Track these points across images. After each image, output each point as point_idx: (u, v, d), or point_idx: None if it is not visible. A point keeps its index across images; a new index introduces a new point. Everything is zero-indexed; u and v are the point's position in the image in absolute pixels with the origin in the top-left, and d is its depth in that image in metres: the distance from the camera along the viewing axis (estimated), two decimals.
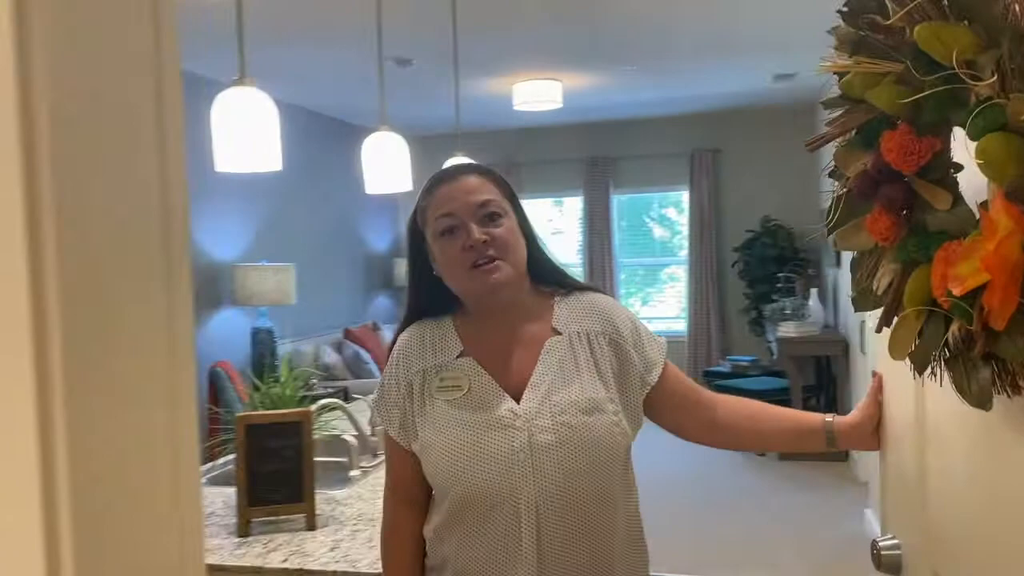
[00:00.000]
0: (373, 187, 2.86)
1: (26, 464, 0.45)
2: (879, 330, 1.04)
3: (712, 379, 6.91)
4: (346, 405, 2.62)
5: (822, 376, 7.06)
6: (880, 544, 1.40)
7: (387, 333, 7.53)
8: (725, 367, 7.30)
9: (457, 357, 1.44)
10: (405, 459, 1.46)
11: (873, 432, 1.44)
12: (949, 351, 0.91)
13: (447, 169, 1.49)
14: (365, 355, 6.74)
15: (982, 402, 0.87)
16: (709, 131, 8.07)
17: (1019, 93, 0.78)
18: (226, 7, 2.28)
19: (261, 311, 5.92)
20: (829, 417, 1.48)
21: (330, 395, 5.89)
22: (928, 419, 1.21)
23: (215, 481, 2.50)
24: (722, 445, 1.59)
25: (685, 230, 8.31)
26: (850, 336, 5.94)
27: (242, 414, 2.05)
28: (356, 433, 2.60)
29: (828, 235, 1.16)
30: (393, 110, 6.57)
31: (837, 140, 1.11)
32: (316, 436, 2.35)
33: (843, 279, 6.19)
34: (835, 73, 1.04)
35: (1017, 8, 0.80)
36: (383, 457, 2.73)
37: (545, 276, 1.52)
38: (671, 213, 8.66)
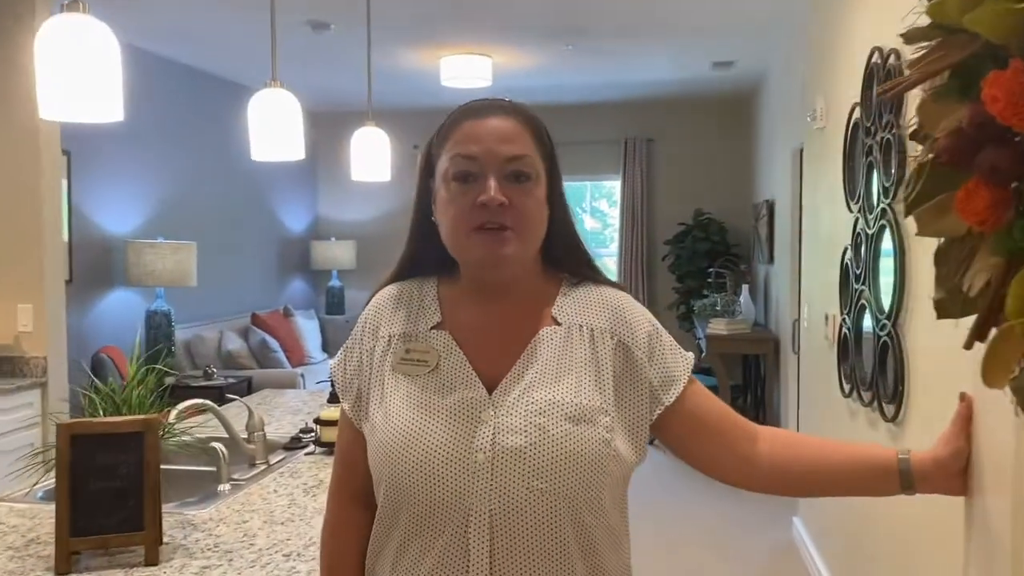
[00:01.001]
0: (260, 153, 2.45)
1: None
2: (969, 345, 0.78)
3: None
4: (216, 407, 2.22)
5: (749, 375, 6.91)
6: None
7: (301, 320, 7.08)
8: None
9: (432, 328, 1.20)
10: (358, 442, 1.22)
11: (960, 472, 1.13)
12: None
13: (484, 101, 1.20)
14: (273, 343, 6.30)
15: None
16: (644, 119, 7.84)
17: None
18: None
19: (157, 292, 5.45)
20: (904, 453, 1.16)
21: (232, 386, 5.53)
22: None
23: (51, 496, 2.09)
24: (763, 487, 1.25)
25: (616, 222, 8.07)
26: (781, 335, 5.77)
27: (67, 422, 1.65)
28: (228, 437, 2.21)
29: (906, 215, 0.87)
30: (308, 80, 6.16)
31: (923, 87, 0.83)
32: (172, 444, 1.97)
33: (775, 276, 6.02)
34: None
35: None
36: (260, 468, 2.39)
37: (563, 259, 1.25)
38: (603, 205, 8.43)
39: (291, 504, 2.00)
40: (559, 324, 1.20)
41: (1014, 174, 0.69)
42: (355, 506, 1.25)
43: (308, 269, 8.12)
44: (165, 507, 1.93)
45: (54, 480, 1.68)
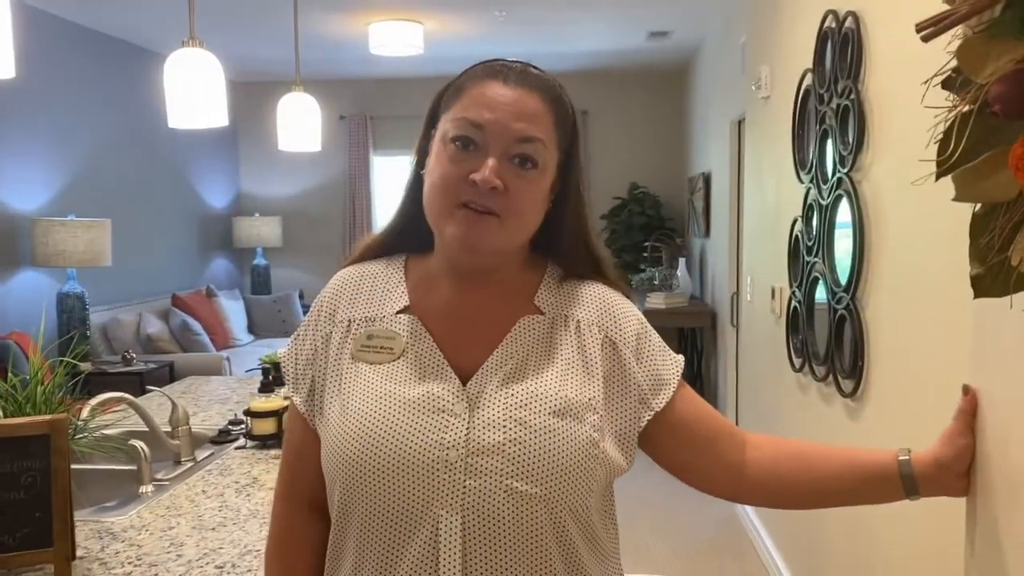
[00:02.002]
0: (178, 120, 2.22)
1: None
2: None
3: None
4: (135, 399, 2.01)
5: (686, 349, 6.90)
6: None
7: (224, 300, 6.77)
8: None
9: (398, 312, 1.06)
10: (311, 442, 1.06)
11: (965, 472, 1.02)
12: None
13: (514, 65, 1.04)
14: (196, 325, 5.99)
15: None
16: (578, 91, 7.59)
17: None
18: None
19: (69, 273, 5.11)
20: (904, 454, 1.03)
21: (153, 371, 5.23)
22: None
23: None
24: (753, 499, 1.13)
25: None
26: (718, 308, 5.75)
27: None
28: (148, 431, 2.00)
29: (938, 177, 0.75)
30: (228, 47, 5.83)
31: (969, 24, 0.72)
32: (85, 445, 1.76)
33: (711, 249, 5.99)
34: None
35: None
36: (187, 466, 2.18)
37: (569, 261, 1.11)
38: None
39: (222, 507, 1.82)
40: (542, 314, 1.06)
41: None
42: (308, 515, 1.10)
43: (231, 247, 7.77)
44: (79, 514, 1.73)
45: None
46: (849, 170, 2.51)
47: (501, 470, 0.94)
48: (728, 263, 5.17)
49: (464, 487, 0.93)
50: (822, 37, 2.81)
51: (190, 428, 2.15)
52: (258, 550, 1.57)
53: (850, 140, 2.50)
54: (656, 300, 6.06)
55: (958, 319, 1.78)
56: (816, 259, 2.89)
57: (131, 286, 6.04)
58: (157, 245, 6.54)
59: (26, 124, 5.07)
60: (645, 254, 6.84)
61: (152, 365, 5.31)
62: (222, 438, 2.32)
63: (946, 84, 0.81)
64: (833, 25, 2.69)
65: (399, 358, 1.02)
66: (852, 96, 2.46)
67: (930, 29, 0.79)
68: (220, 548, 1.59)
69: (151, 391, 2.45)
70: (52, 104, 5.28)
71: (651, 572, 3.73)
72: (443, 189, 1.00)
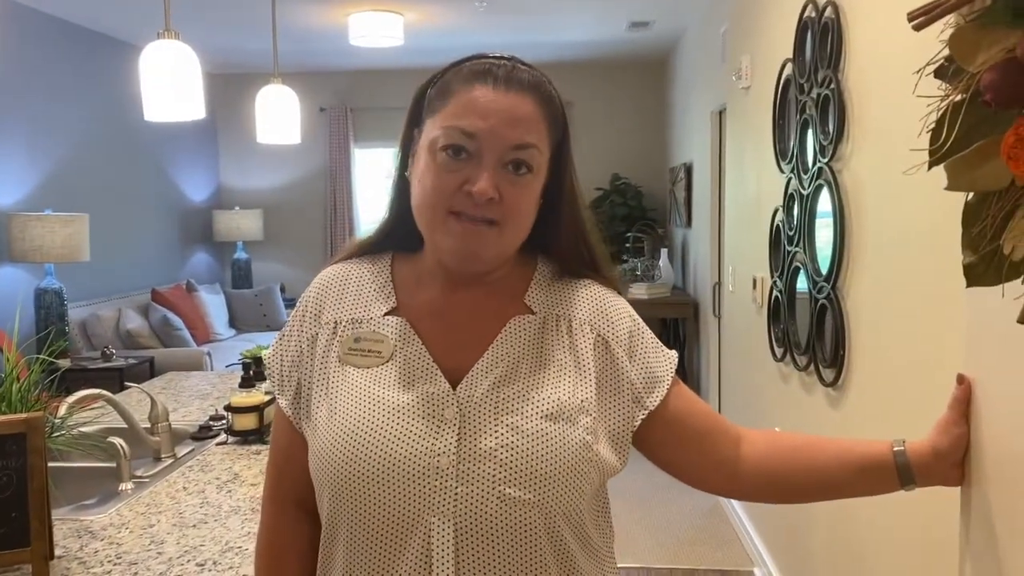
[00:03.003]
0: (154, 112, 2.19)
1: None
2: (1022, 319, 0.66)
3: None
4: (113, 396, 1.98)
5: (668, 339, 6.92)
6: None
7: (205, 295, 6.72)
8: None
9: (386, 314, 1.04)
10: (298, 446, 1.04)
11: (960, 462, 1.01)
12: None
13: (503, 64, 1.00)
14: (176, 320, 5.94)
15: None
16: (560, 82, 7.22)
17: None
18: None
19: (47, 269, 5.05)
20: (899, 445, 1.03)
21: (134, 367, 5.18)
22: None
23: None
24: (749, 495, 1.11)
25: None
26: (700, 298, 5.77)
27: None
28: (126, 427, 1.98)
29: (931, 166, 0.74)
30: (205, 39, 5.77)
31: (961, 12, 0.72)
32: (62, 443, 1.74)
33: (693, 239, 6.00)
34: None
35: None
36: (167, 462, 2.16)
37: (568, 260, 1.09)
38: None
39: (203, 503, 1.80)
40: (533, 313, 1.04)
41: None
42: (297, 517, 1.08)
43: (211, 241, 7.71)
44: (57, 512, 1.71)
45: None
46: (829, 160, 2.51)
47: (494, 476, 0.92)
48: (710, 253, 5.19)
49: (456, 494, 0.91)
50: (802, 27, 2.81)
51: (170, 424, 2.13)
52: (239, 547, 1.56)
53: (830, 130, 2.50)
54: (638, 291, 6.08)
55: (939, 308, 1.79)
56: (797, 249, 2.89)
57: (110, 281, 5.98)
58: (136, 240, 6.47)
59: (0, 118, 5.00)
60: (627, 245, 6.85)
61: (132, 361, 5.26)
62: (203, 434, 2.30)
63: (938, 73, 0.81)
64: (813, 15, 2.69)
65: (388, 361, 1.00)
66: (832, 86, 2.47)
67: (922, 18, 0.79)
68: (201, 545, 1.58)
69: (129, 387, 2.43)
70: (27, 97, 5.21)
71: (635, 563, 3.74)
72: (435, 199, 0.97)
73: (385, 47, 5.80)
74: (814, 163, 2.68)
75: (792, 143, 2.96)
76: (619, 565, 1.09)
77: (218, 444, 2.24)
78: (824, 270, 2.59)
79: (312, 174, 7.94)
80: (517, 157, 0.97)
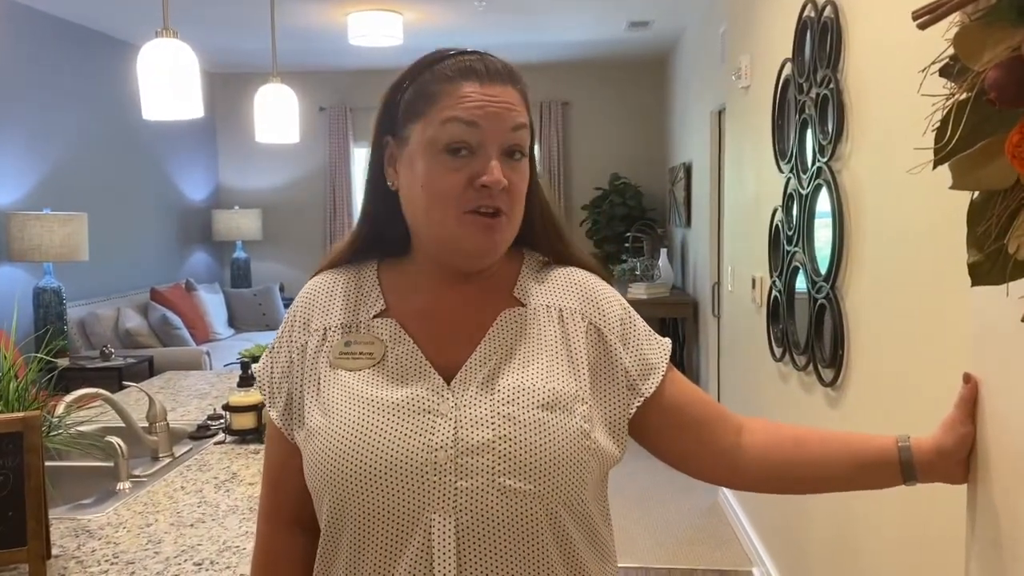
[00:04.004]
0: (153, 111, 2.19)
1: None
2: None
3: None
4: (111, 395, 1.98)
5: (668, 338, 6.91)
6: None
7: (204, 294, 6.72)
8: None
9: (375, 317, 1.04)
10: (291, 459, 1.04)
11: (965, 460, 1.02)
12: None
13: (477, 58, 1.00)
14: (176, 319, 5.94)
15: None
16: (559, 82, 7.69)
17: None
18: None
19: (45, 268, 5.05)
20: (904, 440, 1.03)
21: (133, 366, 5.18)
22: None
23: None
24: (749, 484, 1.11)
25: None
26: (700, 298, 5.77)
27: None
28: (125, 426, 1.98)
29: (936, 165, 0.74)
30: (204, 39, 5.77)
31: (966, 10, 0.72)
32: (59, 442, 1.73)
33: (692, 239, 6.00)
34: None
35: None
36: (164, 462, 2.16)
37: (540, 241, 1.10)
38: None
39: (201, 503, 1.80)
40: (523, 305, 1.04)
41: None
42: (292, 532, 1.08)
43: (210, 240, 7.71)
44: (55, 512, 1.71)
45: None
46: (828, 159, 2.51)
47: (492, 468, 0.91)
48: (709, 253, 5.19)
49: (455, 488, 0.91)
50: (801, 26, 2.81)
51: (168, 423, 2.13)
52: (237, 546, 1.56)
53: (829, 129, 2.50)
54: (638, 290, 6.08)
55: (938, 308, 1.78)
56: (796, 248, 2.89)
57: (109, 280, 5.98)
58: (135, 239, 6.47)
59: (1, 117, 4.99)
60: (626, 244, 6.85)
61: (131, 360, 5.26)
62: (201, 433, 2.30)
63: (943, 72, 0.81)
64: (812, 14, 2.69)
65: (379, 362, 1.00)
66: (831, 85, 2.47)
67: (927, 17, 0.79)
68: (199, 545, 1.57)
69: (128, 386, 2.42)
70: (26, 96, 5.21)
71: (634, 563, 3.74)
72: (448, 201, 0.96)
73: (384, 46, 5.80)
74: (813, 163, 2.68)
75: (791, 143, 2.96)
76: (618, 565, 1.09)
77: (216, 443, 2.24)
78: (823, 270, 2.59)
79: (311, 174, 7.93)
80: (515, 141, 0.98)
